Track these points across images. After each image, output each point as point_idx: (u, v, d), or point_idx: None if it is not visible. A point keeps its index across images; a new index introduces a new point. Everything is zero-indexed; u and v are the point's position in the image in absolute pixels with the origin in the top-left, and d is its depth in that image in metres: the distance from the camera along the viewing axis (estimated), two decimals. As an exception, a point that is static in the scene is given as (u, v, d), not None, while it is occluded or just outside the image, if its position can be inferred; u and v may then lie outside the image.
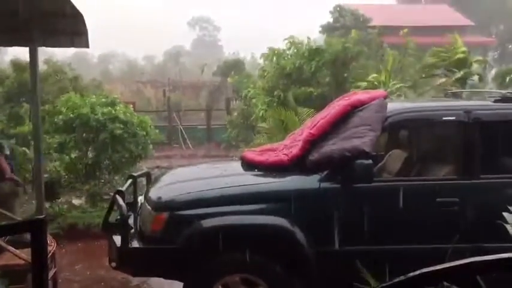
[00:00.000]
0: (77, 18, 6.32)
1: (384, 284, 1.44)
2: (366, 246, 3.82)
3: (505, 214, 2.25)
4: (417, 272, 1.39)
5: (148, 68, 45.63)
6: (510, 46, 34.26)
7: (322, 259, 3.86)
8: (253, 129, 12.47)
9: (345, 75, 11.67)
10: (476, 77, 8.96)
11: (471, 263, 1.25)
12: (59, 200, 7.99)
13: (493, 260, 1.20)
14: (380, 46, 16.13)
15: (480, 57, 9.91)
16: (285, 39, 12.31)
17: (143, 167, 9.39)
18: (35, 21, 6.18)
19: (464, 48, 8.96)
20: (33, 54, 6.49)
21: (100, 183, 8.55)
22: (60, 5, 6.07)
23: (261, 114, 11.22)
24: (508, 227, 2.18)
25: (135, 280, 5.47)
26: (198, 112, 20.27)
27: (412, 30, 19.01)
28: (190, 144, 16.51)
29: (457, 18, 27.74)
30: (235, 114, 16.03)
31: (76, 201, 8.19)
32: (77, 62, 22.63)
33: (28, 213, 7.31)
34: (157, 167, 11.36)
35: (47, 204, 7.22)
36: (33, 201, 7.75)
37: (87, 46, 6.81)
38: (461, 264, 1.31)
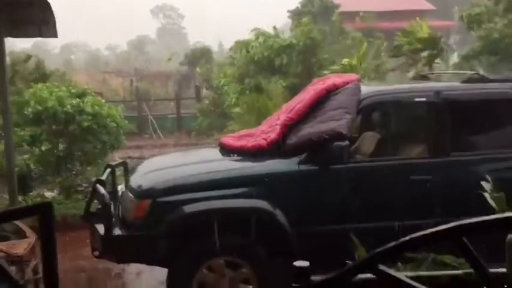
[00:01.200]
0: (44, 7, 6.18)
1: (377, 250, 1.53)
2: (346, 224, 3.96)
3: (482, 183, 2.40)
4: (407, 237, 1.50)
5: (112, 57, 44.78)
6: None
7: (304, 239, 3.98)
8: (225, 116, 12.57)
9: (314, 60, 11.94)
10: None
11: (459, 225, 1.36)
12: (31, 194, 7.86)
13: (482, 221, 1.31)
14: (341, 31, 16.47)
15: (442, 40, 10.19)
16: (252, 30, 12.68)
17: (115, 157, 9.31)
18: (1, 11, 6.03)
19: (429, 31, 9.23)
20: (0, 45, 6.33)
21: (72, 175, 8.45)
22: (27, -6, 5.92)
23: (233, 101, 11.31)
24: (485, 195, 2.33)
25: (116, 268, 5.49)
26: (167, 101, 20.09)
27: (376, 16, 19.30)
28: (160, 134, 16.41)
29: (419, 2, 28.23)
30: (207, 102, 16.00)
31: (48, 194, 8.08)
32: (36, 52, 21.94)
33: (-1, 207, 7.17)
34: (129, 157, 11.25)
35: (19, 198, 7.11)
36: (4, 195, 7.61)
37: (55, 36, 6.68)
38: (448, 228, 1.43)
